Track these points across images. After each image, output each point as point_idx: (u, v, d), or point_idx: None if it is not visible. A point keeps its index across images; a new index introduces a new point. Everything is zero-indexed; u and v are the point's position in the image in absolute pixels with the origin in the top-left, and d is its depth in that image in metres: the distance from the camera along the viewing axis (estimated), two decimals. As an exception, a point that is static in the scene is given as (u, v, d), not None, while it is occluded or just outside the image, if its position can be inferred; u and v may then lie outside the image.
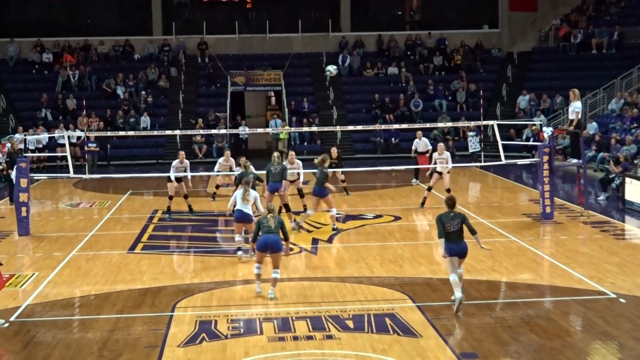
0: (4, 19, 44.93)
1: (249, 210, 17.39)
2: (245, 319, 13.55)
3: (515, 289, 15.23)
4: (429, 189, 24.38)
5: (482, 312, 13.58)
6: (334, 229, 20.96)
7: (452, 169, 24.84)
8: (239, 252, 17.84)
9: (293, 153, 23.62)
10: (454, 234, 13.66)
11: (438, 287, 15.28)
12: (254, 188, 20.21)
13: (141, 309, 14.39)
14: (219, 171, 25.24)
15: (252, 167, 20.17)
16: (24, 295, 15.27)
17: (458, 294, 13.58)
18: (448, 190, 23.76)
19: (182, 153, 23.83)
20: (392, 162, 33.52)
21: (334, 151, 27.04)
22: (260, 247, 14.72)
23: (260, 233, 14.67)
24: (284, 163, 23.24)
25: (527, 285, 15.39)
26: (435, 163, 24.53)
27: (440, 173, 24.14)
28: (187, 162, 23.76)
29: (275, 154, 21.58)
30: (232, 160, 25.00)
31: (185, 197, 23.72)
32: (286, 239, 15.00)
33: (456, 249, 13.70)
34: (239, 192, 17.59)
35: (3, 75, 42.96)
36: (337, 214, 21.84)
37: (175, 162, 23.48)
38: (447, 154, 24.35)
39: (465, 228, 13.71)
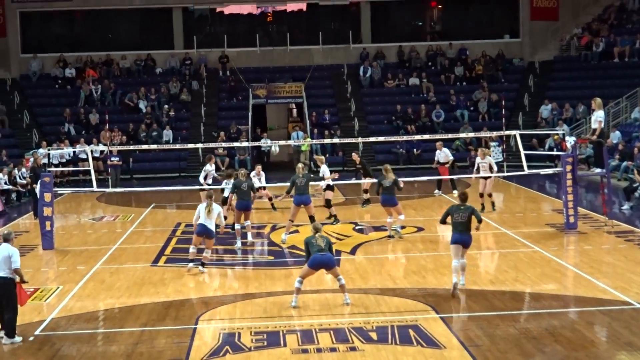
0: (27, 35, 45.25)
1: (211, 225, 17.71)
2: (268, 331, 13.54)
3: (540, 300, 15.15)
4: (481, 195, 25.14)
5: (506, 323, 13.51)
6: (390, 235, 21.19)
7: (479, 177, 25.05)
8: (193, 264, 18.04)
9: (322, 157, 25.16)
10: (460, 225, 15.41)
11: (462, 298, 15.23)
12: (246, 199, 20.41)
13: (165, 321, 14.42)
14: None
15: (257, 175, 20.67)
16: (48, 309, 15.34)
17: (455, 279, 15.26)
18: (490, 195, 24.93)
19: (212, 157, 24.16)
20: (414, 172, 33.41)
21: (355, 156, 26.96)
22: (314, 265, 14.80)
23: (311, 253, 14.76)
24: (322, 166, 23.69)
25: (551, 296, 15.30)
26: (477, 168, 25.08)
27: (485, 178, 24.71)
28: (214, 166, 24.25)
29: (300, 165, 21.62)
30: (263, 174, 25.52)
31: None
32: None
33: (461, 238, 15.42)
34: (202, 206, 17.92)
35: (26, 91, 43.30)
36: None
37: (207, 167, 23.73)
38: (490, 159, 24.68)
39: (473, 218, 15.53)
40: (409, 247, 20.29)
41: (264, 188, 25.88)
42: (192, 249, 18.22)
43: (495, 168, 24.90)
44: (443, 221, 15.92)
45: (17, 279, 13.32)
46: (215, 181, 24.48)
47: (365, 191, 26.71)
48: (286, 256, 20.03)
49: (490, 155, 25.23)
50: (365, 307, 14.83)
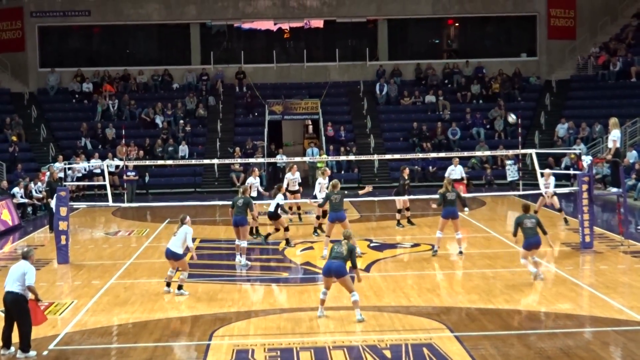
0: (45, 49, 45.53)
1: (176, 247, 17.19)
2: (282, 348, 13.51)
3: (555, 319, 15.07)
4: (535, 212, 25.23)
5: (521, 343, 13.45)
6: (460, 252, 21.19)
7: (551, 192, 25.15)
8: (167, 288, 17.66)
9: (327, 169, 25.69)
10: (530, 230, 17.55)
11: (476, 316, 15.18)
12: (240, 215, 20.27)
13: (178, 337, 14.44)
14: (287, 186, 26.03)
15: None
16: (62, 323, 15.37)
17: (532, 269, 17.89)
18: (559, 210, 25.76)
19: (256, 169, 25.53)
20: (430, 190, 33.35)
21: (407, 171, 26.68)
22: (324, 272, 14.99)
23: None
24: (319, 179, 23.80)
25: (567, 315, 15.23)
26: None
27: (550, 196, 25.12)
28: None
29: (334, 181, 21.36)
30: (298, 174, 26.43)
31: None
32: (354, 266, 15.12)
33: (532, 241, 17.60)
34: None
35: (44, 105, 43.51)
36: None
37: (251, 179, 24.09)
38: (552, 179, 25.05)
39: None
40: (423, 265, 20.24)
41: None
42: (169, 272, 17.88)
43: (550, 189, 25.03)
44: (515, 233, 18.01)
45: (30, 296, 13.35)
46: (260, 195, 24.71)
47: (407, 209, 26.31)
48: (300, 272, 20.01)
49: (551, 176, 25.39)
50: (380, 324, 14.79)
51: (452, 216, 21.14)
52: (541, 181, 25.19)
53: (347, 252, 14.82)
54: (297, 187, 26.72)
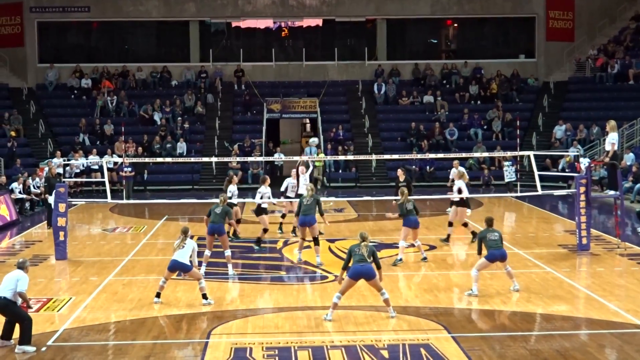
0: (44, 45, 45.54)
1: (184, 259, 16.37)
2: (280, 346, 13.56)
3: (551, 321, 15.12)
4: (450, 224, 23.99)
5: (517, 344, 13.50)
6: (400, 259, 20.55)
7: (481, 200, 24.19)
8: (158, 299, 16.71)
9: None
10: (494, 243, 16.63)
11: (473, 317, 15.23)
12: (217, 222, 19.34)
13: (177, 335, 14.47)
14: (286, 190, 25.24)
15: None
16: (60, 320, 15.40)
17: (475, 289, 16.75)
18: (465, 225, 23.55)
19: (267, 178, 23.99)
20: (427, 190, 33.47)
21: (400, 173, 26.42)
22: (353, 276, 14.91)
23: (352, 262, 14.91)
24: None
25: (563, 317, 15.28)
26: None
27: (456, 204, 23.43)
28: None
29: (309, 185, 21.48)
30: (303, 176, 25.65)
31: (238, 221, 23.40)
32: (378, 267, 15.11)
33: (496, 253, 16.62)
34: (176, 242, 16.71)
35: (42, 101, 43.53)
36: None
37: (262, 188, 23.33)
38: (461, 182, 23.18)
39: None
40: (420, 265, 20.28)
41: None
42: (161, 282, 16.86)
43: (460, 193, 23.09)
44: (480, 250, 16.86)
45: (20, 302, 13.45)
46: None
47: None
48: (298, 271, 20.04)
49: (463, 179, 23.28)
50: (377, 324, 14.85)
51: (414, 225, 20.34)
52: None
53: (369, 253, 14.87)
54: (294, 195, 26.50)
